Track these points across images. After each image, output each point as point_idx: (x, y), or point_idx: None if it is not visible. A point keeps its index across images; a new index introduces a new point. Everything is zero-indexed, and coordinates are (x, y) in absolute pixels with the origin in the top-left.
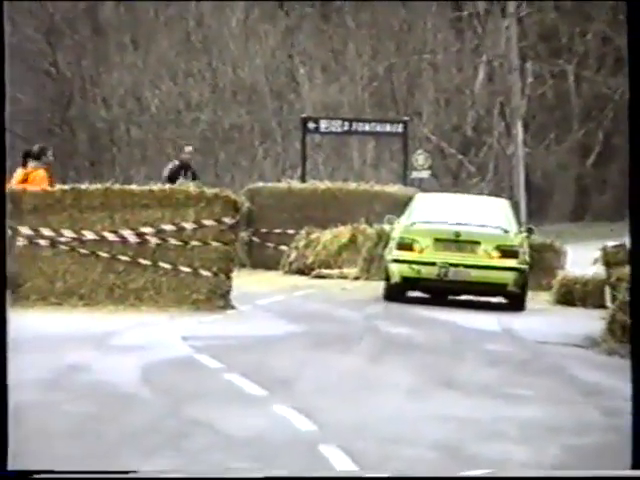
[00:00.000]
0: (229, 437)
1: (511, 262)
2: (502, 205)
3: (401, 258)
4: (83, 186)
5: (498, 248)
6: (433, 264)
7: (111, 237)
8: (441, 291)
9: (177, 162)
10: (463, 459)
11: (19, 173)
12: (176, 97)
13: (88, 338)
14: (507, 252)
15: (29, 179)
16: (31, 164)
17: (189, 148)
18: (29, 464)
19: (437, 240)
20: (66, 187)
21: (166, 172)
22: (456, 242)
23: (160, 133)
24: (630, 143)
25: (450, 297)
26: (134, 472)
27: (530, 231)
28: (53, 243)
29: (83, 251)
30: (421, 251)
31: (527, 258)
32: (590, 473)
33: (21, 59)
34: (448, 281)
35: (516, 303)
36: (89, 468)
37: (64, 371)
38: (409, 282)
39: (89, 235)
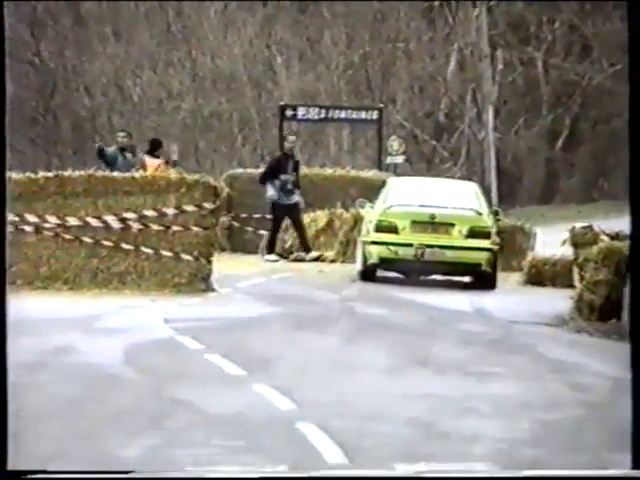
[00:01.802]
0: (210, 416)
1: (484, 243)
2: (473, 188)
3: (379, 240)
4: (67, 173)
5: (472, 229)
6: (410, 245)
7: (94, 223)
8: (418, 271)
9: (279, 153)
10: (437, 434)
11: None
12: (157, 86)
13: (73, 321)
14: (480, 233)
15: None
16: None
17: (292, 137)
18: (16, 445)
19: (414, 222)
20: (50, 174)
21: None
22: (432, 224)
23: (142, 121)
24: (630, 143)
25: (422, 277)
26: (133, 472)
27: (496, 213)
28: (38, 229)
29: (67, 236)
30: (398, 233)
31: (497, 239)
32: (590, 473)
33: (5, 49)
34: (424, 261)
35: (488, 282)
36: (74, 448)
37: (49, 353)
38: (387, 263)
39: (73, 221)
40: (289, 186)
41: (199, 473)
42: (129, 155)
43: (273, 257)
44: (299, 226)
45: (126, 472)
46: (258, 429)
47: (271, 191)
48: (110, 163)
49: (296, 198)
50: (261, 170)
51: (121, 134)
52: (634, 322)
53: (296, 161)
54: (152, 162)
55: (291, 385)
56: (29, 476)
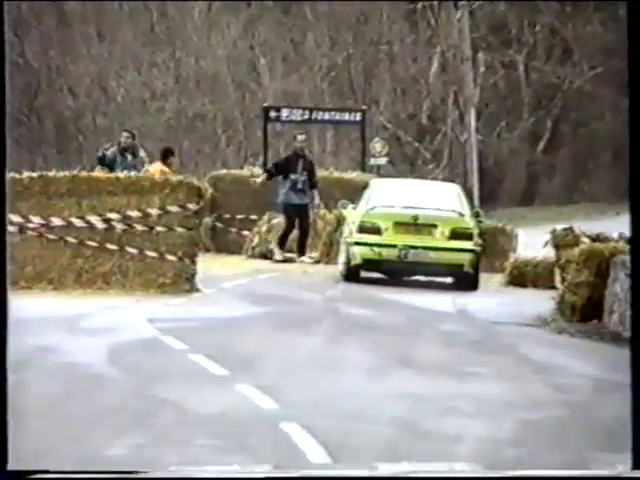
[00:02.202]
0: (193, 415)
1: (467, 244)
2: (455, 190)
3: (362, 241)
4: (51, 173)
5: (454, 231)
6: (394, 246)
7: (79, 223)
8: (401, 272)
9: (289, 153)
10: (420, 434)
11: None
12: (141, 87)
13: (58, 321)
14: (463, 234)
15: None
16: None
17: (302, 137)
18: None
19: (397, 223)
20: (34, 174)
21: (272, 164)
22: (415, 225)
23: (126, 122)
24: (630, 140)
25: (405, 278)
26: (135, 472)
27: (477, 215)
28: (22, 229)
29: (51, 237)
30: (381, 234)
31: (479, 240)
32: (590, 473)
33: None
34: (408, 262)
35: (470, 283)
36: (60, 446)
37: (34, 352)
38: (370, 263)
39: (57, 221)
40: (299, 186)
41: (200, 473)
42: (130, 156)
43: (281, 257)
44: (304, 227)
45: (126, 472)
46: (242, 429)
47: (280, 191)
48: (109, 165)
49: (307, 199)
50: (245, 171)
51: (125, 134)
52: (635, 322)
53: (309, 161)
54: (155, 167)
55: (274, 385)
56: (29, 476)
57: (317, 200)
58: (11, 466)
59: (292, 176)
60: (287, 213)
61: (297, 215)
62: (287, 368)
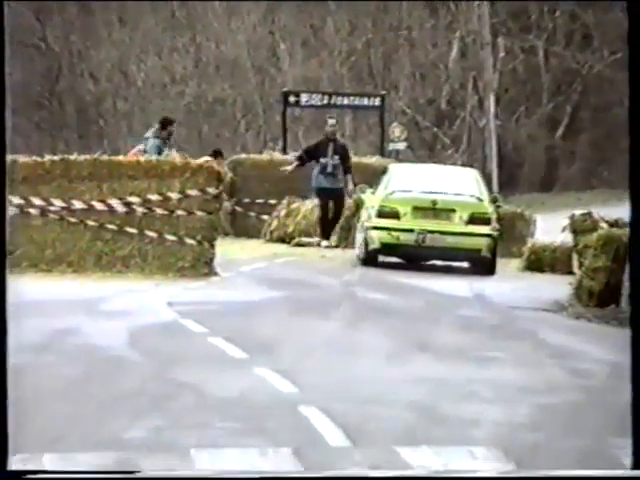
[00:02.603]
0: (213, 398)
1: (485, 229)
2: (474, 175)
3: (381, 225)
4: (72, 157)
5: (472, 215)
6: (411, 231)
7: (99, 206)
8: (418, 257)
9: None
10: (438, 418)
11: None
12: (161, 71)
13: (77, 303)
14: (481, 219)
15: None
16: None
17: (332, 121)
18: (23, 423)
19: (415, 208)
20: (56, 158)
21: (302, 151)
22: (433, 210)
23: (146, 106)
24: (630, 136)
25: (423, 262)
26: (137, 472)
27: (495, 200)
28: (43, 212)
29: (72, 220)
30: (400, 218)
31: (497, 225)
32: (590, 473)
33: (11, 34)
34: (425, 247)
35: (487, 268)
36: (79, 428)
37: (55, 335)
38: (388, 248)
39: (78, 204)
40: (329, 169)
41: (199, 473)
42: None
43: (325, 243)
44: (335, 212)
45: (126, 472)
46: (261, 412)
47: (313, 175)
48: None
49: (339, 183)
50: (265, 156)
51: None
52: (635, 323)
53: (341, 145)
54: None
55: (293, 368)
56: (29, 476)
57: (350, 185)
58: (28, 448)
59: (322, 160)
60: (319, 197)
61: (329, 199)
62: (305, 352)
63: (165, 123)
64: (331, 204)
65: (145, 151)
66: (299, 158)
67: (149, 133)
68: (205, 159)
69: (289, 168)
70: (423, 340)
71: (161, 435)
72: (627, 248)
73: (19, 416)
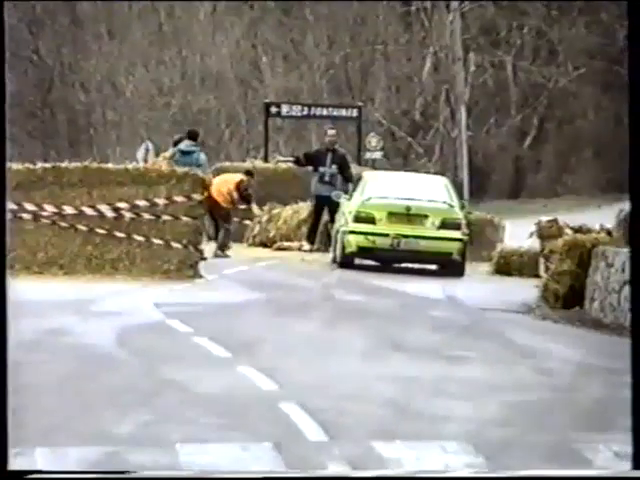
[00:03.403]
0: (197, 395)
1: (455, 233)
2: (444, 182)
3: (357, 230)
4: (63, 164)
5: (444, 221)
6: (387, 235)
7: (89, 212)
8: (393, 260)
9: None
10: (411, 414)
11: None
12: (149, 83)
13: (68, 304)
14: (452, 224)
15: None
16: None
17: (332, 132)
18: (13, 420)
19: (390, 213)
20: (47, 165)
21: (304, 156)
22: (407, 215)
23: (134, 116)
24: (630, 141)
25: (396, 265)
26: (133, 472)
27: (463, 206)
28: (35, 217)
29: (63, 224)
30: (375, 223)
31: (466, 230)
32: (590, 473)
33: (6, 46)
34: (400, 250)
35: (457, 270)
36: (70, 423)
37: (46, 334)
38: (364, 251)
39: (69, 210)
40: (326, 178)
41: (199, 473)
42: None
43: (307, 247)
44: (331, 218)
45: (127, 472)
46: (243, 408)
47: (312, 183)
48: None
49: (335, 192)
50: (247, 164)
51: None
52: (635, 323)
53: (340, 155)
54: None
55: (274, 367)
56: (29, 476)
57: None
58: (21, 442)
59: (321, 169)
60: (315, 204)
61: (324, 206)
62: (285, 351)
63: (197, 135)
64: (326, 210)
65: (199, 165)
66: (296, 159)
67: (185, 146)
68: (240, 177)
69: (283, 162)
70: (397, 340)
71: (147, 430)
72: (590, 253)
73: (10, 411)
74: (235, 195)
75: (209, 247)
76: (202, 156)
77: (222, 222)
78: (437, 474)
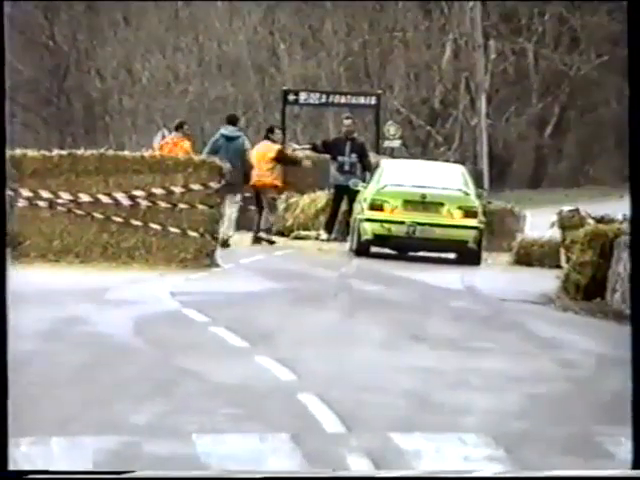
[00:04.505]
0: (214, 385)
1: (472, 221)
2: (461, 171)
3: (373, 217)
4: (79, 152)
5: (460, 209)
6: (402, 223)
7: (105, 199)
8: (408, 247)
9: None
10: (431, 406)
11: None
12: (165, 70)
13: (84, 293)
14: (468, 212)
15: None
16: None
17: (349, 121)
18: (30, 409)
19: (406, 201)
20: (63, 152)
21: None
22: (423, 203)
23: (150, 103)
24: (630, 137)
25: (412, 253)
26: (132, 472)
27: (480, 195)
28: (51, 204)
29: (79, 212)
30: (391, 211)
31: (483, 218)
32: (590, 473)
33: (21, 32)
34: (415, 238)
35: (474, 258)
36: (86, 413)
37: (63, 323)
38: (380, 239)
39: (85, 197)
40: (346, 167)
41: (199, 473)
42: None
43: (325, 236)
44: (350, 207)
45: (127, 472)
46: (260, 399)
47: (331, 172)
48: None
49: (352, 180)
50: None
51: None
52: (635, 324)
53: (359, 144)
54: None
55: (292, 357)
56: (29, 476)
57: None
58: (37, 431)
59: (339, 158)
60: (334, 194)
61: (344, 195)
62: (304, 341)
63: (237, 119)
64: (345, 200)
65: (244, 150)
66: (313, 145)
67: (229, 131)
68: (278, 146)
69: (298, 148)
70: (417, 331)
71: (164, 420)
72: (612, 243)
73: (26, 400)
74: (278, 163)
75: (242, 236)
76: (246, 141)
77: (268, 203)
78: (440, 474)
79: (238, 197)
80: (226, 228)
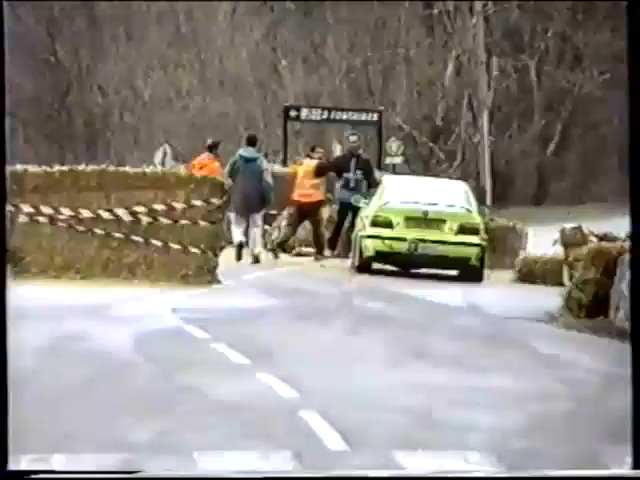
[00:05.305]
0: (216, 402)
1: (474, 239)
2: (463, 187)
3: (375, 234)
4: (80, 167)
5: (462, 226)
6: (404, 240)
7: (106, 215)
8: (410, 264)
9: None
10: (434, 424)
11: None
12: (167, 85)
13: (85, 309)
14: (470, 229)
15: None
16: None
17: (354, 137)
18: (30, 425)
19: (408, 218)
20: (65, 168)
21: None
22: (425, 220)
23: (152, 119)
24: (630, 143)
25: (414, 270)
26: (136, 472)
27: (482, 212)
28: (52, 220)
29: (80, 228)
30: (393, 228)
31: (485, 235)
32: (590, 473)
33: (23, 48)
34: (417, 255)
35: (476, 275)
36: (86, 429)
37: (63, 339)
38: (382, 256)
39: (86, 213)
40: (351, 184)
41: (199, 473)
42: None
43: (328, 252)
44: (353, 224)
45: (126, 472)
46: (262, 416)
47: (336, 189)
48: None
49: (354, 196)
50: None
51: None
52: (634, 325)
53: (364, 160)
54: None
55: (294, 374)
56: (29, 476)
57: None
58: (39, 448)
59: (345, 175)
60: (339, 210)
61: (348, 212)
62: (305, 358)
63: (256, 140)
64: (350, 217)
65: (262, 171)
66: (320, 164)
67: (249, 153)
68: (315, 162)
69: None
70: (419, 348)
71: (165, 437)
72: (616, 261)
73: (27, 416)
74: (320, 177)
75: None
76: (265, 162)
77: (311, 220)
78: (437, 474)
79: (259, 216)
80: (252, 246)
